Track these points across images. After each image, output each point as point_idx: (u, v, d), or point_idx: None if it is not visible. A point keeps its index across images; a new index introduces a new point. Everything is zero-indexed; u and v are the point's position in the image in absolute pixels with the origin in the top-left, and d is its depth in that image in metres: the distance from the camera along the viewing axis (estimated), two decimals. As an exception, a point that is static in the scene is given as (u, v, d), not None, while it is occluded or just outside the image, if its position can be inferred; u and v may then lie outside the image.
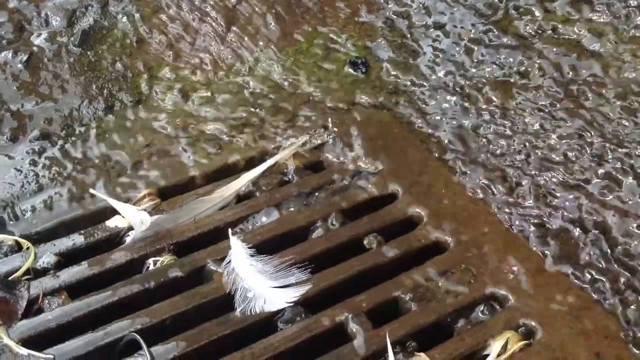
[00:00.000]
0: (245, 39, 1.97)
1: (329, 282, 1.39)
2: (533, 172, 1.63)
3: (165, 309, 1.33)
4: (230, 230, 1.45)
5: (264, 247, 1.45)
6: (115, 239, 1.48)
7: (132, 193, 1.57)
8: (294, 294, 1.33)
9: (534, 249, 1.48)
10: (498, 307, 1.38)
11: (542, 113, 1.74)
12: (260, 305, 1.32)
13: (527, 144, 1.69)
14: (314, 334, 1.30)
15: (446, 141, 1.73)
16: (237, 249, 1.41)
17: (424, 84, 1.87)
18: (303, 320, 1.33)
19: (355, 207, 1.55)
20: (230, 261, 1.39)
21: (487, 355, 1.29)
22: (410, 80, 1.88)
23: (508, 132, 1.72)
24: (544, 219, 1.54)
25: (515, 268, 1.43)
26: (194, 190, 1.58)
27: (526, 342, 1.31)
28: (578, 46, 1.84)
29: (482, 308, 1.37)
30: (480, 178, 1.63)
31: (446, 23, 1.98)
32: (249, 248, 1.41)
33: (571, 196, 1.57)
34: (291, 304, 1.33)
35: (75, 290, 1.37)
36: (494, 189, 1.60)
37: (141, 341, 1.25)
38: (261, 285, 1.34)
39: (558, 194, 1.58)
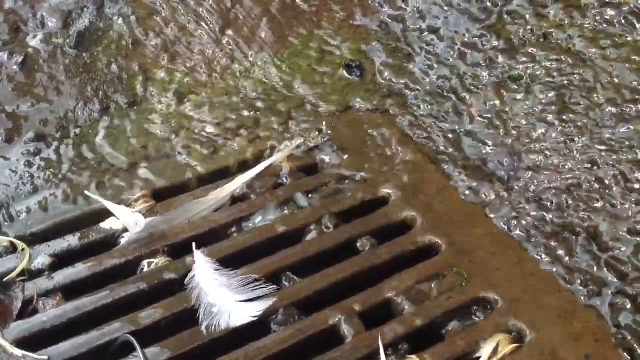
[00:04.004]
0: (241, 42, 1.98)
1: (322, 285, 1.40)
2: (525, 175, 1.64)
3: (159, 310, 1.33)
4: (194, 244, 1.44)
5: (258, 249, 1.46)
6: (110, 241, 1.48)
7: (127, 195, 1.57)
8: (258, 308, 1.32)
9: (526, 252, 1.50)
10: (489, 310, 1.39)
11: (533, 117, 1.75)
12: (225, 320, 1.30)
13: (519, 148, 1.70)
14: (307, 335, 1.31)
15: (439, 144, 1.74)
16: (202, 264, 1.39)
17: (418, 87, 1.88)
18: (296, 322, 1.34)
19: (349, 210, 1.56)
20: (194, 276, 1.37)
21: (479, 357, 1.30)
22: (405, 84, 1.89)
23: (500, 136, 1.74)
24: (536, 223, 1.55)
25: (506, 271, 1.44)
26: (188, 193, 1.59)
27: (517, 345, 1.32)
28: (570, 51, 1.86)
29: (473, 311, 1.39)
30: (473, 181, 1.64)
31: (440, 27, 2.00)
32: (213, 262, 1.40)
33: (562, 200, 1.58)
34: (255, 319, 1.31)
35: (70, 291, 1.37)
36: (486, 193, 1.62)
37: (135, 343, 1.26)
38: (226, 300, 1.33)
39: (549, 198, 1.59)
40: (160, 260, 1.44)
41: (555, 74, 1.83)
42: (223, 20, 2.01)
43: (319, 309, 1.35)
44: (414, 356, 1.28)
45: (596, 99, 1.75)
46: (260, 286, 1.35)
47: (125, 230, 1.48)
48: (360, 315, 1.35)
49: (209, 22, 2.00)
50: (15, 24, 1.95)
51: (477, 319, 1.37)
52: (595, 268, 1.46)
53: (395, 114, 1.82)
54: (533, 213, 1.57)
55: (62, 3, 1.99)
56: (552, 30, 1.90)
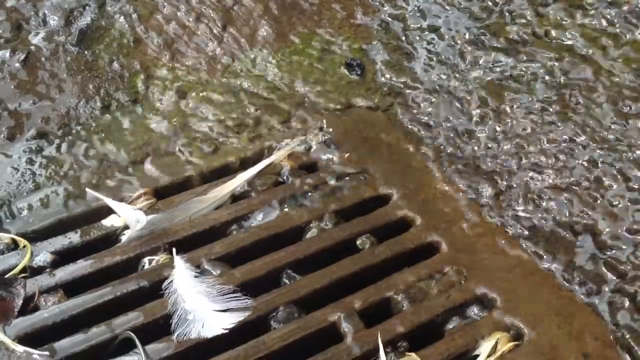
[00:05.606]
0: (242, 39, 1.98)
1: (322, 282, 1.40)
2: (524, 174, 1.65)
3: (160, 307, 1.34)
4: (174, 250, 1.43)
5: (258, 247, 1.47)
6: (111, 238, 1.49)
7: (128, 192, 1.58)
8: (232, 320, 1.30)
9: (525, 250, 1.50)
10: (488, 308, 1.40)
11: (533, 116, 1.76)
12: (198, 329, 1.28)
13: (519, 147, 1.71)
14: (307, 333, 1.32)
15: (439, 143, 1.74)
16: (181, 270, 1.38)
17: (418, 86, 1.88)
18: (296, 319, 1.34)
19: (349, 209, 1.57)
20: (172, 281, 1.36)
21: (477, 355, 1.31)
22: (405, 83, 1.89)
23: (500, 135, 1.74)
24: (535, 222, 1.56)
25: (505, 269, 1.45)
26: (189, 190, 1.59)
27: (516, 342, 1.32)
28: (570, 50, 1.86)
29: (472, 309, 1.39)
30: (473, 180, 1.65)
31: (441, 26, 2.00)
32: (193, 269, 1.39)
33: (562, 199, 1.59)
34: (226, 331, 1.29)
35: (71, 288, 1.38)
36: (486, 192, 1.62)
37: (136, 339, 1.27)
38: (203, 308, 1.31)
39: (549, 197, 1.60)
40: (161, 258, 1.44)
41: (555, 72, 1.83)
42: (224, 19, 2.01)
43: (319, 307, 1.36)
44: (413, 354, 1.29)
45: (596, 97, 1.75)
46: (238, 297, 1.34)
47: (127, 227, 1.48)
48: (360, 312, 1.35)
49: (210, 20, 2.00)
50: (17, 21, 1.95)
51: (476, 317, 1.38)
52: (594, 267, 1.46)
53: (395, 113, 1.82)
54: (532, 212, 1.57)
55: (63, 1, 1.99)
56: (552, 29, 1.91)
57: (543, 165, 1.66)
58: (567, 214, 1.56)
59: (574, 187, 1.60)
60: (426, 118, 1.80)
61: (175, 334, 1.29)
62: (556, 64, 1.84)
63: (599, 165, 1.63)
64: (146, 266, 1.43)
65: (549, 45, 1.89)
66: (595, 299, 1.41)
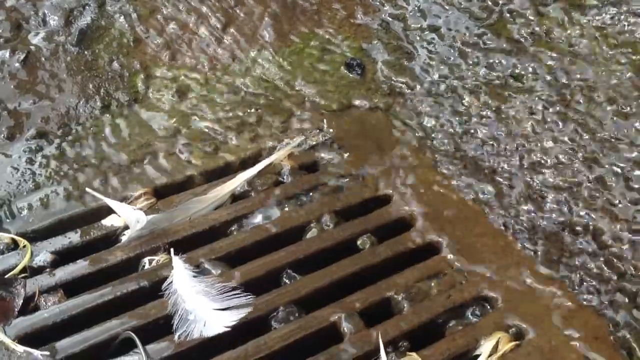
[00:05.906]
0: (242, 39, 1.98)
1: (323, 282, 1.40)
2: (525, 174, 1.65)
3: (160, 307, 1.34)
4: (172, 251, 1.43)
5: (259, 247, 1.46)
6: (111, 238, 1.49)
7: (128, 192, 1.58)
8: (232, 318, 1.30)
9: (526, 250, 1.50)
10: (489, 308, 1.39)
11: (534, 116, 1.76)
12: (200, 329, 1.28)
13: (519, 147, 1.71)
14: (308, 333, 1.32)
15: (439, 143, 1.74)
16: (180, 270, 1.38)
17: (419, 86, 1.88)
18: (297, 319, 1.34)
19: (349, 209, 1.57)
20: (172, 282, 1.36)
21: (478, 355, 1.30)
22: (405, 83, 1.89)
23: (501, 135, 1.74)
24: (535, 221, 1.55)
25: (506, 269, 1.45)
26: (189, 190, 1.59)
27: (516, 342, 1.32)
28: (570, 50, 1.86)
29: (473, 309, 1.39)
30: (473, 180, 1.65)
31: (441, 26, 2.00)
32: (192, 269, 1.39)
33: (562, 199, 1.59)
34: (228, 329, 1.29)
35: (71, 288, 1.38)
36: (486, 191, 1.62)
37: (136, 339, 1.27)
38: (203, 308, 1.31)
39: (550, 197, 1.60)
40: (161, 258, 1.44)
41: (555, 72, 1.83)
42: (225, 18, 2.01)
43: (319, 307, 1.36)
44: (413, 354, 1.29)
45: (596, 97, 1.75)
46: (238, 295, 1.33)
47: (127, 227, 1.48)
48: (361, 312, 1.35)
49: (210, 20, 2.00)
50: (17, 21, 1.95)
51: (476, 317, 1.38)
52: (594, 266, 1.46)
53: (395, 113, 1.82)
54: (533, 211, 1.57)
55: (63, 1, 1.99)
56: (552, 29, 1.91)
57: (543, 164, 1.66)
58: (568, 214, 1.56)
59: (574, 187, 1.60)
60: (427, 118, 1.80)
61: (177, 334, 1.28)
62: (556, 63, 1.84)
63: (600, 164, 1.63)
64: (146, 266, 1.43)
65: (549, 44, 1.89)
66: (595, 298, 1.41)
